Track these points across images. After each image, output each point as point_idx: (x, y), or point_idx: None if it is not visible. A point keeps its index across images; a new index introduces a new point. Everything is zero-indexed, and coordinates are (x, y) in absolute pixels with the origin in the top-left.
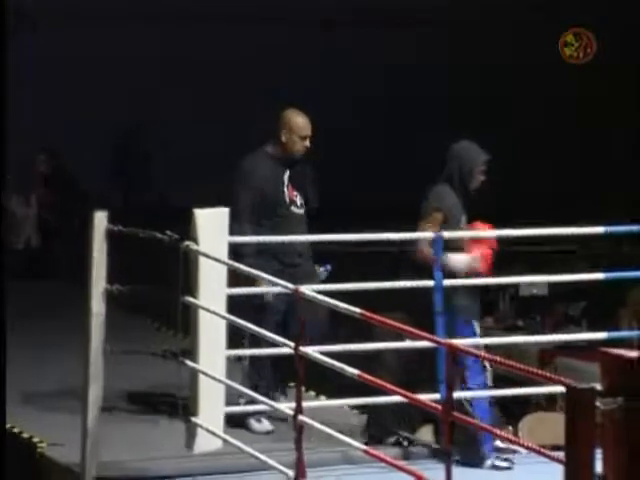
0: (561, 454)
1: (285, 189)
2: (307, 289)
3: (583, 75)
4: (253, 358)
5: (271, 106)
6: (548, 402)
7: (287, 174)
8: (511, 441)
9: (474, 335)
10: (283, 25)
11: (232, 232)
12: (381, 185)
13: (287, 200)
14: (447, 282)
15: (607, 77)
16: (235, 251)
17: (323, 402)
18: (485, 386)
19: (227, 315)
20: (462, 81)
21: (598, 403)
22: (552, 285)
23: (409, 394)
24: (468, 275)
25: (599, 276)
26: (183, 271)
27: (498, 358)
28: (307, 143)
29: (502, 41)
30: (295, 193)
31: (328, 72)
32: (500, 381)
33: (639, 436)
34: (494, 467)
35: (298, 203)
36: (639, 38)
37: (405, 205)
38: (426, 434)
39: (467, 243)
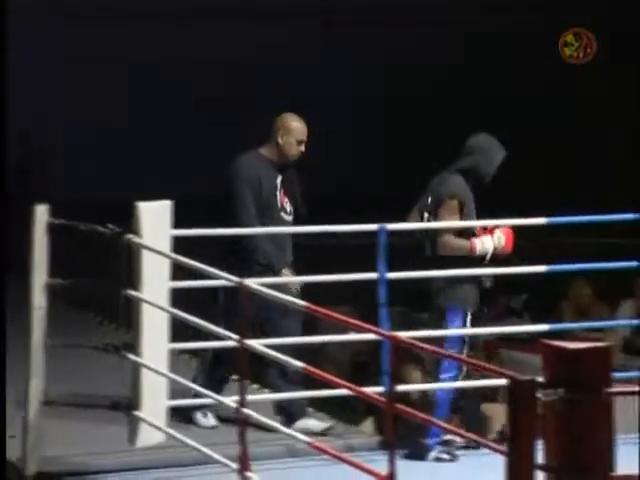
0: (503, 445)
1: (278, 193)
2: (253, 282)
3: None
4: (217, 352)
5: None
6: (492, 394)
7: (280, 178)
8: (455, 433)
9: (463, 325)
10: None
11: (241, 223)
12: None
13: (278, 205)
14: (392, 275)
15: (607, 77)
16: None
17: (267, 395)
18: (457, 379)
19: (170, 308)
20: (462, 81)
21: (539, 394)
22: (495, 278)
23: (352, 386)
24: (497, 256)
25: (541, 269)
26: (125, 264)
27: (442, 351)
28: (302, 148)
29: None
30: (286, 199)
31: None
32: None
33: (579, 426)
34: (438, 459)
35: (287, 210)
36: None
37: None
38: (369, 426)
39: (480, 232)
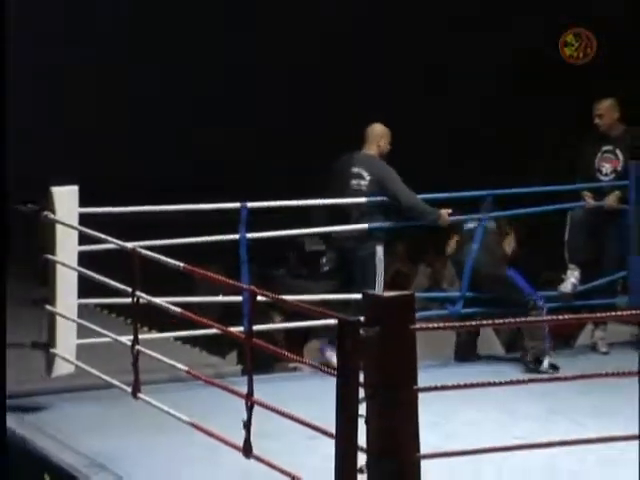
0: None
1: None
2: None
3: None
4: None
5: None
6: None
7: None
8: (299, 361)
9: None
10: None
11: (407, 199)
12: None
13: None
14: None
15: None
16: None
17: (155, 335)
18: None
19: (78, 268)
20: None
21: (361, 331)
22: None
23: (220, 326)
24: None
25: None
26: (42, 234)
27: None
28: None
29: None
30: None
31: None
32: (294, 315)
33: (390, 354)
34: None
35: None
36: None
37: None
38: (233, 357)
39: None
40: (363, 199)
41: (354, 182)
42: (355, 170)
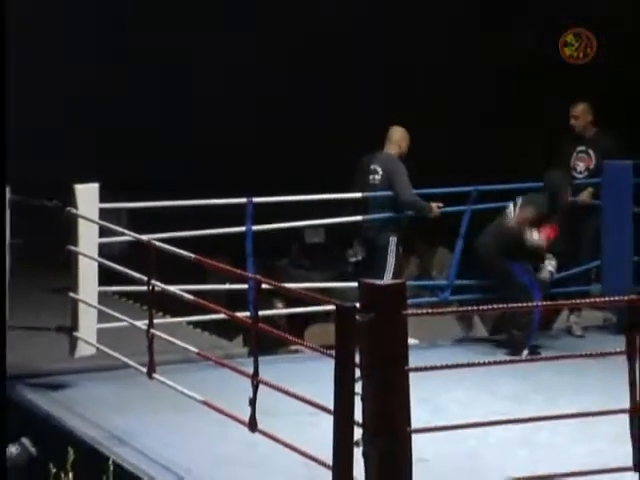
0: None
1: None
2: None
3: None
4: None
5: None
6: (327, 316)
7: None
8: (300, 344)
9: None
10: None
11: (404, 194)
12: None
13: None
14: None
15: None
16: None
17: (168, 320)
18: None
19: (98, 258)
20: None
21: (357, 317)
22: (331, 233)
23: (228, 311)
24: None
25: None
26: (67, 227)
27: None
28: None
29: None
30: None
31: None
32: (295, 302)
33: (383, 338)
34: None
35: None
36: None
37: None
38: (239, 342)
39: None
40: (370, 193)
41: (371, 177)
42: (373, 167)
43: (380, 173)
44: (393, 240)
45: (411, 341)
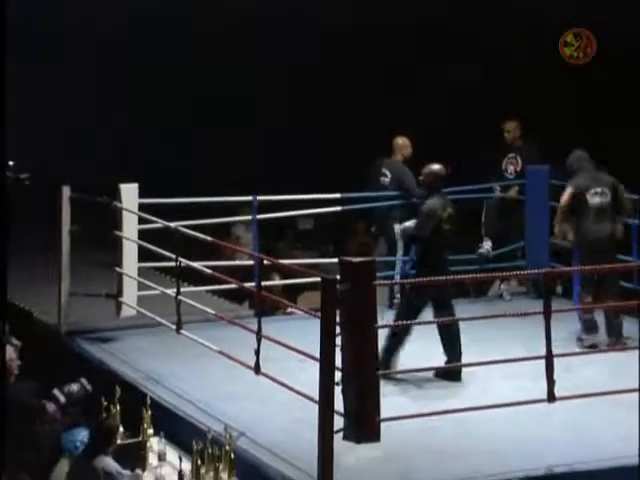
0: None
1: None
2: None
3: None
4: None
5: None
6: (314, 286)
7: None
8: (293, 307)
9: None
10: None
11: (414, 191)
12: None
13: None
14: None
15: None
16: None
17: (192, 288)
18: None
19: (138, 241)
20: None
21: (338, 286)
22: (318, 221)
23: (238, 282)
24: None
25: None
26: (113, 218)
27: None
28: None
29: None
30: None
31: None
32: (289, 275)
33: (357, 303)
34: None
35: None
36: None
37: None
38: (246, 306)
39: None
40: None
41: (382, 178)
42: (383, 170)
43: (389, 176)
44: (397, 226)
45: None
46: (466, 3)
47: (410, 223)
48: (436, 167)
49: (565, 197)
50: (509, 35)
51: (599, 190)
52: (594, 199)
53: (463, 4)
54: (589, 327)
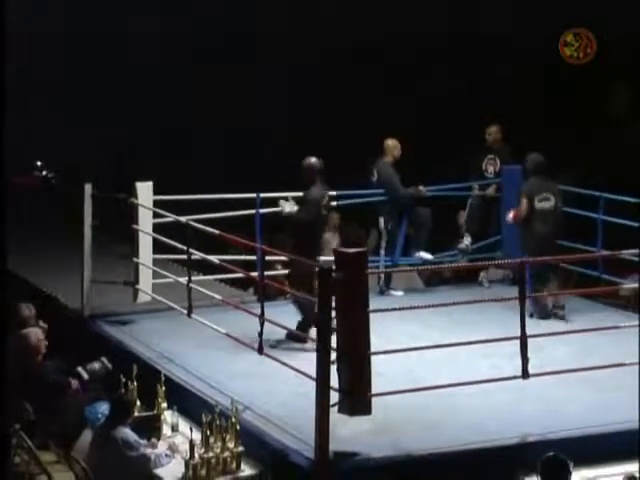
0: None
1: None
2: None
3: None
4: None
5: None
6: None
7: None
8: (293, 294)
9: None
10: None
11: (397, 189)
12: None
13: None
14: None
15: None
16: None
17: (201, 277)
18: None
19: (153, 234)
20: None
21: (333, 274)
22: None
23: (243, 270)
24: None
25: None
26: (130, 213)
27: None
28: None
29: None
30: None
31: None
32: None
33: (351, 289)
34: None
35: None
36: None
37: None
38: (250, 292)
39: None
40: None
41: (372, 177)
42: (374, 170)
43: (376, 176)
44: (381, 220)
45: (399, 293)
46: (466, 3)
47: (293, 208)
48: (313, 160)
49: (524, 206)
50: (492, 43)
51: (544, 195)
52: (541, 204)
53: (463, 4)
54: (544, 312)
